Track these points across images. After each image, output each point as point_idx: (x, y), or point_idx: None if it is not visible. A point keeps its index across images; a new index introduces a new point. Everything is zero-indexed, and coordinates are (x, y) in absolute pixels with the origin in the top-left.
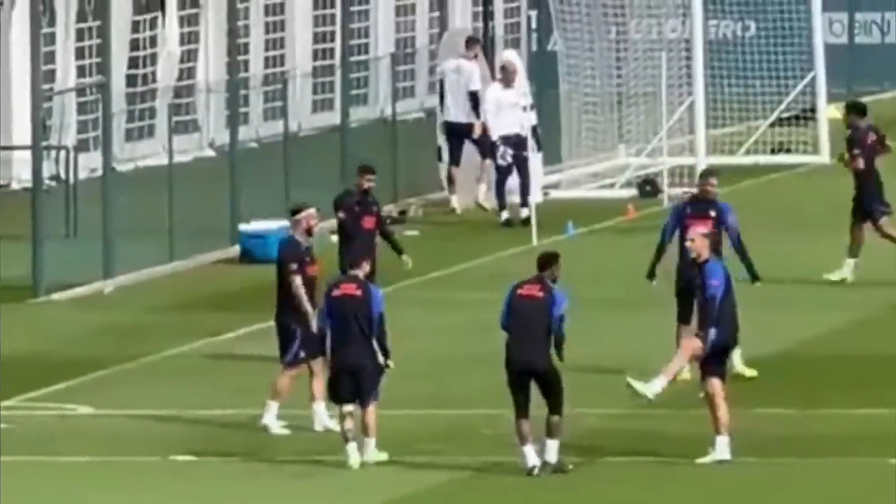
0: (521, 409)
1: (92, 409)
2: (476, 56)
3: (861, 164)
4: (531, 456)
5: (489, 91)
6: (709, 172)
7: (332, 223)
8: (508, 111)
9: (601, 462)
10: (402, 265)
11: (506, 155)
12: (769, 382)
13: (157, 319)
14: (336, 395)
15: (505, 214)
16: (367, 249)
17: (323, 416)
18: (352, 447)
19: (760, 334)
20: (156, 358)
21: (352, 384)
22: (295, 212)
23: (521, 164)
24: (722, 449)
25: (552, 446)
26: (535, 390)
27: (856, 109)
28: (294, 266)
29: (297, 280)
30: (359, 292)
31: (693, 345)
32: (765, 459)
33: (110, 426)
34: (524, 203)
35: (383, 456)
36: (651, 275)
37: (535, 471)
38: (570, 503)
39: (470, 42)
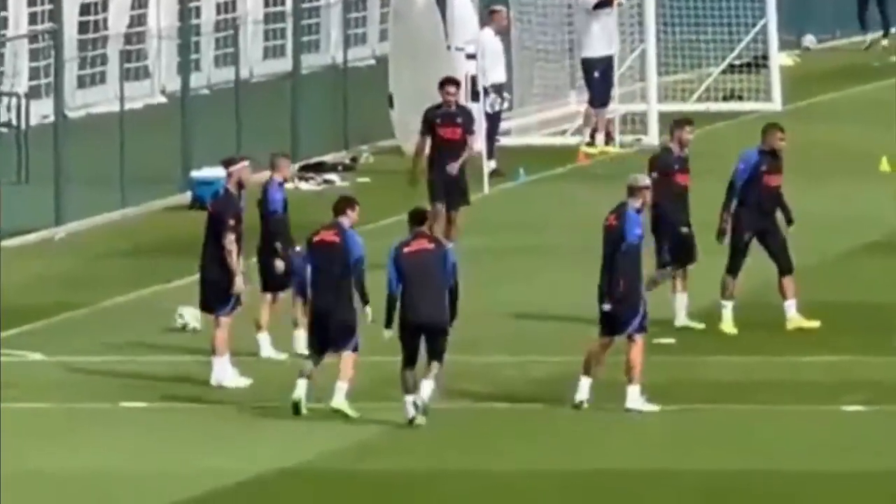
0: (412, 361)
1: (42, 356)
2: None
3: None
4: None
5: (481, 34)
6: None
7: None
8: (496, 59)
9: (553, 410)
10: None
11: (495, 103)
12: (720, 330)
13: (109, 266)
14: None
15: (493, 164)
16: (685, 206)
17: (220, 371)
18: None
19: (713, 283)
20: (107, 305)
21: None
22: (228, 163)
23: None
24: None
25: (428, 386)
26: None
27: None
28: (232, 222)
29: (232, 236)
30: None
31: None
32: (718, 406)
33: (61, 373)
34: (490, 155)
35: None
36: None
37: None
38: (527, 448)
39: None
